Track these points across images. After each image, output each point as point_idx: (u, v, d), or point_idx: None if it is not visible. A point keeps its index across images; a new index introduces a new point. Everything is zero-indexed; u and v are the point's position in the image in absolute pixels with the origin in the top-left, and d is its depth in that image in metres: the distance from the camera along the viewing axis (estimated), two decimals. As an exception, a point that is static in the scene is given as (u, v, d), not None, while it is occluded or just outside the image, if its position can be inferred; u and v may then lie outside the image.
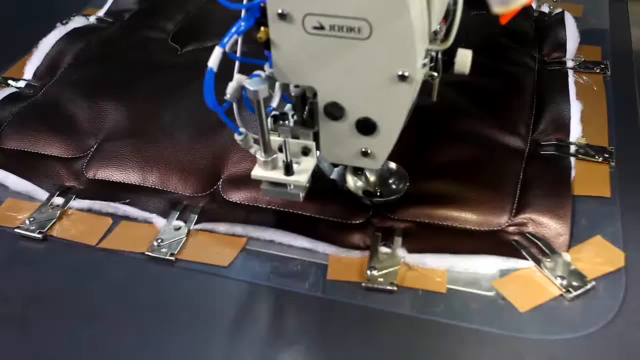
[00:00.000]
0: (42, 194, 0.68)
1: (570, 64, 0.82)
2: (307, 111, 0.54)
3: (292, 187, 0.55)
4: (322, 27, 0.47)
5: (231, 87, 0.51)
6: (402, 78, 0.48)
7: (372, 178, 0.62)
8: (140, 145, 0.72)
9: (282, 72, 0.51)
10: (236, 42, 0.51)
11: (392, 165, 0.63)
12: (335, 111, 0.52)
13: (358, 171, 0.62)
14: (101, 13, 1.00)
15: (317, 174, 0.58)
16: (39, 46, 0.90)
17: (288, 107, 0.56)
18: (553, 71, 0.81)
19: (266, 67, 0.53)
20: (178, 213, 0.65)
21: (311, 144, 0.55)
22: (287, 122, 0.55)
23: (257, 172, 0.54)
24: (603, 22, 0.92)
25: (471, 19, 0.85)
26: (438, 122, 0.71)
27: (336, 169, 0.62)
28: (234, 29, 0.48)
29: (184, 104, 0.76)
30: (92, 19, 0.98)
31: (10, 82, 0.85)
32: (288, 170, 0.54)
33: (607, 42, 0.87)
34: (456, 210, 0.62)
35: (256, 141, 0.54)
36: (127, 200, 0.66)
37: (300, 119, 0.55)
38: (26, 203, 0.67)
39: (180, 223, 0.63)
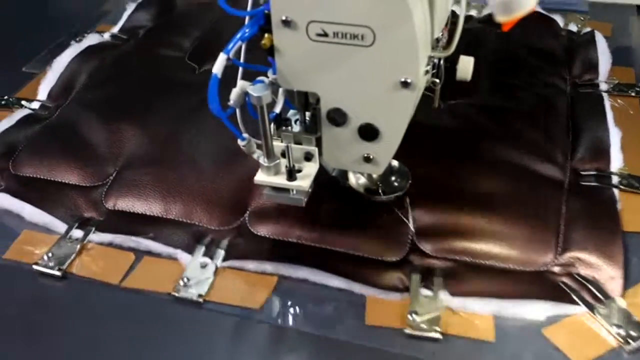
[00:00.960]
0: (60, 226, 0.65)
1: (603, 86, 0.78)
2: (310, 117, 0.54)
3: (294, 192, 0.55)
4: (325, 34, 0.48)
5: (235, 93, 0.52)
6: (405, 85, 0.48)
7: (374, 175, 0.63)
8: (161, 173, 0.68)
9: (286, 78, 0.51)
10: (240, 48, 0.52)
11: (394, 162, 0.63)
12: (338, 117, 0.52)
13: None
14: (115, 30, 0.98)
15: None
16: (53, 65, 0.87)
17: (291, 112, 0.57)
18: (586, 94, 0.77)
19: (269, 73, 0.53)
20: (204, 248, 0.62)
21: (314, 149, 0.55)
22: (290, 127, 0.55)
23: (260, 177, 0.55)
24: (631, 40, 0.89)
25: (495, 36, 0.86)
26: (471, 149, 0.68)
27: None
28: (238, 36, 0.49)
29: (205, 128, 0.73)
30: (106, 36, 0.95)
31: (24, 102, 0.82)
32: (291, 175, 0.54)
33: (638, 63, 0.83)
34: (497, 246, 0.58)
35: (259, 147, 0.55)
36: (151, 235, 0.63)
37: (304, 124, 0.55)
38: (44, 236, 0.64)
39: (207, 260, 0.61)
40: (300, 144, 0.55)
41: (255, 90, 0.50)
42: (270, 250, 0.61)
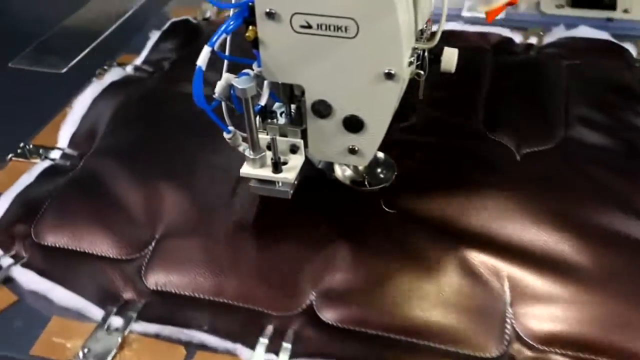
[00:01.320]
0: (96, 312, 0.55)
1: None
2: (295, 109, 0.54)
3: (280, 184, 0.55)
4: (309, 26, 0.48)
5: (220, 85, 0.52)
6: (389, 76, 0.48)
7: (360, 167, 0.63)
8: (210, 245, 0.57)
9: (270, 70, 0.51)
10: (225, 41, 0.52)
11: (380, 154, 0.63)
12: (323, 109, 0.52)
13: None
14: (138, 61, 0.86)
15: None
16: (74, 106, 0.76)
17: (277, 105, 0.57)
18: None
19: (254, 65, 0.53)
20: (267, 342, 0.52)
21: (299, 141, 0.55)
22: (275, 120, 0.55)
23: (246, 169, 0.55)
24: None
25: (564, 69, 0.79)
26: (557, 209, 0.59)
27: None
28: (222, 28, 0.49)
29: None
30: (129, 70, 0.84)
31: (42, 151, 0.71)
32: (276, 167, 0.54)
33: None
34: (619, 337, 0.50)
35: (245, 139, 0.55)
36: (205, 328, 0.53)
37: (289, 117, 0.55)
38: (77, 324, 0.54)
39: (272, 357, 0.51)
40: (285, 136, 0.56)
41: (240, 83, 0.50)
42: (346, 344, 0.51)
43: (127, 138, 0.71)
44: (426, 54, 0.56)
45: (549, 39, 0.86)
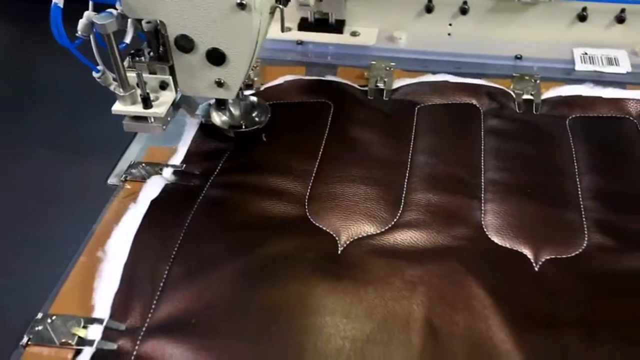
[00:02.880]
0: None
1: None
2: (161, 45, 0.56)
3: (152, 120, 0.58)
4: (162, -40, 0.50)
5: (81, 23, 0.53)
6: (241, 6, 0.51)
7: (235, 112, 0.65)
8: None
9: (131, 7, 0.53)
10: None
11: (254, 99, 0.66)
12: (185, 43, 0.55)
13: (222, 106, 0.65)
14: (177, 160, 0.66)
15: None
16: (108, 253, 0.55)
17: (145, 44, 0.59)
18: None
19: (117, 5, 0.54)
20: None
21: (168, 78, 0.57)
22: (143, 57, 0.57)
23: (118, 107, 0.57)
24: None
25: (570, 131, 0.69)
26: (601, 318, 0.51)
27: (201, 105, 0.65)
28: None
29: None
30: (167, 174, 0.63)
31: (76, 331, 0.50)
32: (146, 103, 0.56)
33: None
34: None
35: (115, 79, 0.56)
36: None
37: (156, 54, 0.57)
38: None
39: None
40: (155, 73, 0.58)
41: (100, 19, 0.51)
42: None
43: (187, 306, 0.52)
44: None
45: (550, 93, 0.74)
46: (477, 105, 0.72)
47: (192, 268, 0.54)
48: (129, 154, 0.67)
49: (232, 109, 0.65)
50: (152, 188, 0.61)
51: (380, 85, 0.74)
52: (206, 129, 0.68)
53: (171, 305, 0.51)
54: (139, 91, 0.56)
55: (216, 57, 0.55)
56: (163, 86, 0.58)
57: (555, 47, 0.81)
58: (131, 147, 0.68)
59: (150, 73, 0.58)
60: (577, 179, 0.63)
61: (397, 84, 0.75)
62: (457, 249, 0.55)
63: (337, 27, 0.84)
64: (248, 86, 0.72)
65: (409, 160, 0.65)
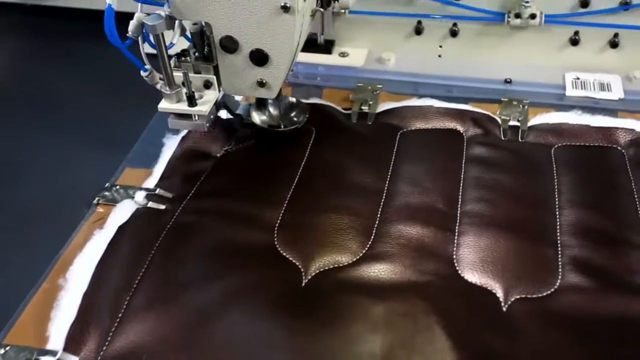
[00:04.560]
0: None
1: None
2: (206, 46, 0.59)
3: (196, 117, 0.60)
4: (210, -35, 0.52)
5: (132, 24, 0.56)
6: (285, 9, 0.53)
7: (274, 112, 0.68)
8: None
9: (178, 9, 0.55)
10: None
11: (292, 99, 0.68)
12: (230, 44, 0.57)
13: (262, 106, 0.67)
14: (151, 182, 0.65)
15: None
16: (69, 281, 0.55)
17: (190, 45, 0.61)
18: None
19: (166, 6, 0.57)
20: None
21: (212, 77, 0.60)
22: (188, 58, 0.60)
23: (164, 104, 0.59)
24: None
25: (582, 151, 0.68)
26: None
27: (242, 105, 0.67)
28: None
29: None
30: (139, 198, 0.61)
31: None
32: (191, 101, 0.59)
33: None
34: None
35: (162, 78, 0.59)
36: None
37: (201, 54, 0.60)
38: None
39: None
40: (199, 73, 0.60)
41: (150, 20, 0.54)
42: None
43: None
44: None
45: (536, 120, 0.72)
46: (461, 131, 0.70)
47: (153, 298, 0.53)
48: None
49: (271, 109, 0.68)
50: (121, 213, 0.61)
51: (365, 108, 0.73)
52: (186, 150, 0.68)
53: (126, 338, 0.50)
54: (184, 90, 0.59)
55: (259, 57, 0.57)
56: (207, 85, 0.60)
57: (546, 71, 0.80)
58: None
59: (195, 73, 0.60)
60: (557, 212, 0.60)
61: (382, 107, 0.74)
62: (424, 285, 0.53)
63: (326, 47, 0.84)
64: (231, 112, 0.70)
65: (385, 188, 0.63)
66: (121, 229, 0.59)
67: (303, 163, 0.66)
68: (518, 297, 0.53)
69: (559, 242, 0.57)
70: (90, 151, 0.72)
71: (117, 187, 0.64)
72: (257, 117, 0.68)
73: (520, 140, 0.69)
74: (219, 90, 0.61)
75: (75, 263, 0.56)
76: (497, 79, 0.80)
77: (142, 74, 0.59)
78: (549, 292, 0.53)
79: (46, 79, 0.87)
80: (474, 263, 0.55)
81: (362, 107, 0.74)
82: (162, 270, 0.55)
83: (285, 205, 0.61)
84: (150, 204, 0.62)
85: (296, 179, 0.64)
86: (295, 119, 0.68)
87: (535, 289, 0.53)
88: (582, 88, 0.78)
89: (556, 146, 0.68)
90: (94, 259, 0.56)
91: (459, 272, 0.55)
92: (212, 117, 0.61)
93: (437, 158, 0.67)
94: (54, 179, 0.69)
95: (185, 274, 0.55)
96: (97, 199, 0.63)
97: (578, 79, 0.79)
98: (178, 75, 0.59)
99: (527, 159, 0.67)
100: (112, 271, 0.55)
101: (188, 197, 0.63)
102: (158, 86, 0.59)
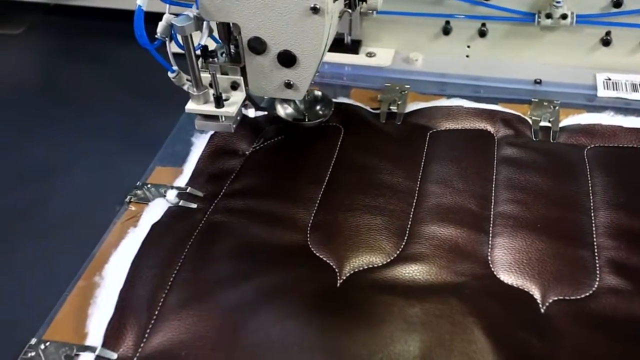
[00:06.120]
0: None
1: None
2: (234, 48, 0.59)
3: (223, 119, 0.60)
4: (239, -34, 0.52)
5: (161, 25, 0.56)
6: (315, 10, 0.53)
7: (300, 105, 0.67)
8: None
9: (207, 10, 0.55)
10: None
11: (318, 92, 0.68)
12: (257, 45, 0.57)
13: (287, 99, 0.67)
14: (182, 181, 0.65)
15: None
16: (105, 278, 0.56)
17: (217, 46, 0.61)
18: None
19: (194, 8, 0.57)
20: None
21: (239, 78, 0.59)
22: (216, 59, 0.60)
23: (191, 106, 0.59)
24: None
25: (616, 152, 0.67)
26: None
27: (266, 98, 0.67)
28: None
29: None
30: (171, 196, 0.63)
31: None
32: (218, 102, 0.58)
33: None
34: None
35: (189, 79, 0.59)
36: None
37: (229, 55, 0.60)
38: None
39: None
40: (226, 74, 0.60)
41: (179, 22, 0.54)
42: None
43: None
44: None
45: (567, 121, 0.71)
46: (492, 132, 0.70)
47: (188, 297, 0.53)
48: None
49: (296, 102, 0.67)
50: (154, 211, 0.61)
51: (394, 108, 0.73)
52: (215, 149, 0.68)
53: (163, 336, 0.51)
54: (211, 91, 0.59)
55: (287, 59, 0.57)
56: (234, 86, 0.60)
57: (576, 72, 0.79)
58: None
59: (222, 74, 0.60)
60: (592, 214, 0.60)
61: (411, 107, 0.73)
62: (460, 286, 0.53)
63: (353, 47, 0.83)
64: (261, 108, 0.68)
65: (417, 188, 0.63)
66: (154, 227, 0.59)
67: (333, 161, 0.66)
68: (556, 298, 0.52)
69: (595, 243, 0.57)
70: (120, 150, 0.73)
71: (149, 185, 0.64)
72: (282, 111, 0.67)
73: (551, 141, 0.69)
74: (246, 92, 0.61)
75: (110, 261, 0.57)
76: (527, 80, 0.79)
77: (170, 75, 0.59)
78: (587, 294, 0.52)
79: (73, 79, 0.87)
80: (509, 264, 0.55)
81: (391, 107, 0.73)
82: (196, 268, 0.56)
83: (316, 205, 0.61)
84: (182, 203, 0.62)
85: (326, 178, 0.64)
86: (320, 112, 0.68)
87: (573, 291, 0.53)
88: (613, 89, 0.76)
89: (589, 147, 0.67)
90: (129, 257, 0.56)
91: (495, 273, 0.55)
92: (238, 118, 0.61)
93: (468, 158, 0.66)
94: (86, 178, 0.69)
95: (218, 273, 0.55)
96: (129, 197, 0.63)
97: (609, 79, 0.77)
98: (205, 77, 0.59)
99: (559, 160, 0.66)
100: (147, 269, 0.55)
101: (219, 196, 0.63)
102: (185, 87, 0.59)
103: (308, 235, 0.58)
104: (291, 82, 0.59)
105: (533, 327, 0.50)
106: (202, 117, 0.60)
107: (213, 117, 0.60)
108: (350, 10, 0.59)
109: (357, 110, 0.73)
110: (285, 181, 0.64)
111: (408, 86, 0.76)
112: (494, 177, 0.64)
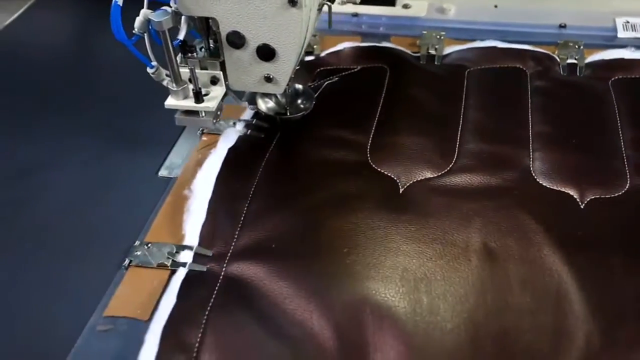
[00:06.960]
0: None
1: None
2: (213, 42, 0.58)
3: (203, 114, 0.59)
4: (216, -41, 0.52)
5: (138, 20, 0.56)
6: (292, 3, 0.53)
7: (281, 99, 0.67)
8: None
9: (185, 5, 0.55)
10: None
11: (299, 86, 0.68)
12: (236, 40, 0.56)
13: (267, 94, 0.67)
14: (247, 115, 0.71)
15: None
16: (194, 191, 0.63)
17: (196, 41, 0.61)
18: None
19: (172, 2, 0.57)
20: None
21: (218, 73, 0.59)
22: (195, 54, 0.59)
23: (170, 101, 0.59)
24: None
25: (637, 82, 0.75)
26: None
27: (247, 92, 0.67)
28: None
29: None
30: (239, 127, 0.70)
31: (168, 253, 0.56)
32: (198, 98, 0.58)
33: None
34: None
35: (168, 75, 0.58)
36: None
37: (208, 50, 0.59)
38: None
39: None
40: (206, 69, 0.60)
41: (156, 16, 0.53)
42: None
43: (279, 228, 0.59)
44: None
45: (595, 56, 0.79)
46: (524, 69, 0.77)
47: (268, 206, 0.61)
48: (178, 148, 0.70)
49: (277, 96, 0.67)
50: (229, 137, 0.68)
51: (432, 51, 0.80)
52: None
53: (252, 234, 0.58)
54: (190, 86, 0.58)
55: (266, 52, 0.57)
56: (214, 81, 0.60)
57: (598, 16, 0.86)
58: (180, 142, 0.71)
59: (202, 69, 0.59)
60: (620, 132, 0.67)
61: (447, 50, 0.81)
62: (508, 189, 0.61)
63: (390, 0, 0.89)
64: (308, 53, 0.78)
65: (461, 115, 0.70)
66: (232, 149, 0.67)
67: (383, 95, 0.73)
68: (593, 197, 0.60)
69: (624, 155, 0.65)
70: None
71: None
72: (263, 105, 0.67)
73: (578, 75, 0.76)
74: (225, 86, 0.61)
75: (197, 177, 0.64)
76: (552, 24, 0.85)
77: (149, 70, 0.58)
78: (619, 193, 0.61)
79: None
80: (548, 172, 0.63)
81: (430, 51, 0.80)
82: (272, 182, 0.63)
83: (373, 130, 0.68)
84: (250, 132, 0.69)
85: (379, 108, 0.71)
86: (302, 105, 0.68)
87: (607, 191, 0.61)
88: (632, 30, 0.84)
89: (613, 79, 0.75)
90: (213, 173, 0.64)
91: (537, 179, 0.62)
92: (219, 112, 0.61)
93: (505, 90, 0.74)
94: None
95: (291, 186, 0.63)
96: (200, 129, 0.70)
97: (628, 22, 0.85)
98: (185, 72, 0.58)
99: (587, 90, 0.74)
100: (230, 184, 0.63)
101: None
102: (164, 83, 0.59)
103: (369, 155, 0.65)
104: (271, 76, 0.59)
105: (576, 218, 0.58)
106: (182, 112, 0.60)
107: (193, 113, 0.60)
108: (329, 3, 0.59)
109: (400, 53, 0.81)
110: (344, 113, 0.71)
111: (443, 33, 0.82)
112: (529, 105, 0.71)
